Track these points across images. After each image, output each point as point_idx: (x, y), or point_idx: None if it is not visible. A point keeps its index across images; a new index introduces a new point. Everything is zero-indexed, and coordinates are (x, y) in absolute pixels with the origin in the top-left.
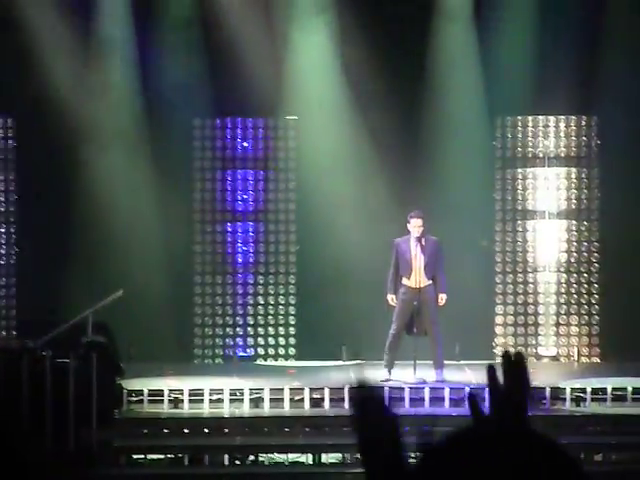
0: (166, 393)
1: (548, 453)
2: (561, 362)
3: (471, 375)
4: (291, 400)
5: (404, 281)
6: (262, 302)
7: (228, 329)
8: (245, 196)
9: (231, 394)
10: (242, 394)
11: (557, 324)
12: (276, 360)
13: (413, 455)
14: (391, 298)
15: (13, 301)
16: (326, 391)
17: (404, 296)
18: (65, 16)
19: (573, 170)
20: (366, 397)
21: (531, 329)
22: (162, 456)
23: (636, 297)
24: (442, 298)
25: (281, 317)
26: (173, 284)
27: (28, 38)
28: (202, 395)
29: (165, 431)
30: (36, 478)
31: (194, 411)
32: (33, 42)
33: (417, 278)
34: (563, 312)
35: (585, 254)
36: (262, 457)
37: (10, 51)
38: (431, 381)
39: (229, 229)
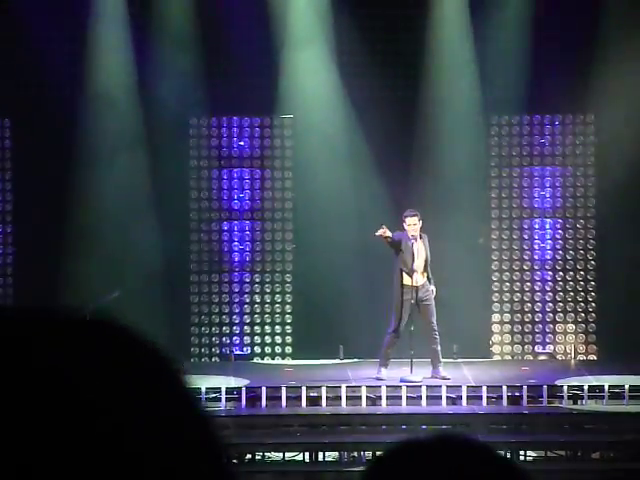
0: None
1: (490, 460)
2: (558, 360)
3: (468, 373)
4: (288, 399)
5: (403, 280)
6: (258, 301)
7: (225, 328)
8: (241, 195)
9: (228, 393)
10: (239, 393)
11: (554, 322)
12: (273, 359)
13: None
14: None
15: (10, 301)
16: (323, 390)
17: (404, 296)
18: (61, 18)
19: (568, 168)
20: None
21: (528, 327)
22: None
23: (632, 294)
24: (433, 291)
25: (277, 316)
26: (169, 283)
27: (26, 38)
28: (199, 394)
29: None
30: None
31: None
32: (31, 43)
33: (415, 277)
34: (560, 310)
35: (581, 252)
36: (259, 455)
37: (6, 51)
38: (428, 379)
39: (225, 228)
